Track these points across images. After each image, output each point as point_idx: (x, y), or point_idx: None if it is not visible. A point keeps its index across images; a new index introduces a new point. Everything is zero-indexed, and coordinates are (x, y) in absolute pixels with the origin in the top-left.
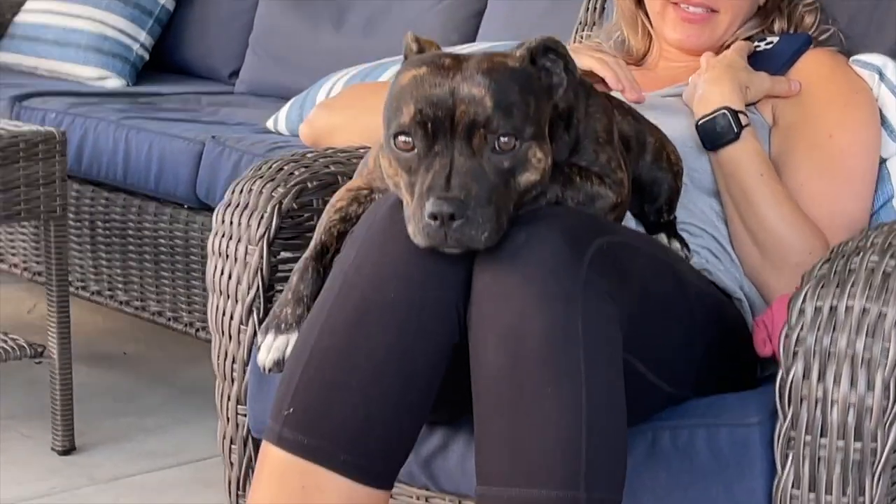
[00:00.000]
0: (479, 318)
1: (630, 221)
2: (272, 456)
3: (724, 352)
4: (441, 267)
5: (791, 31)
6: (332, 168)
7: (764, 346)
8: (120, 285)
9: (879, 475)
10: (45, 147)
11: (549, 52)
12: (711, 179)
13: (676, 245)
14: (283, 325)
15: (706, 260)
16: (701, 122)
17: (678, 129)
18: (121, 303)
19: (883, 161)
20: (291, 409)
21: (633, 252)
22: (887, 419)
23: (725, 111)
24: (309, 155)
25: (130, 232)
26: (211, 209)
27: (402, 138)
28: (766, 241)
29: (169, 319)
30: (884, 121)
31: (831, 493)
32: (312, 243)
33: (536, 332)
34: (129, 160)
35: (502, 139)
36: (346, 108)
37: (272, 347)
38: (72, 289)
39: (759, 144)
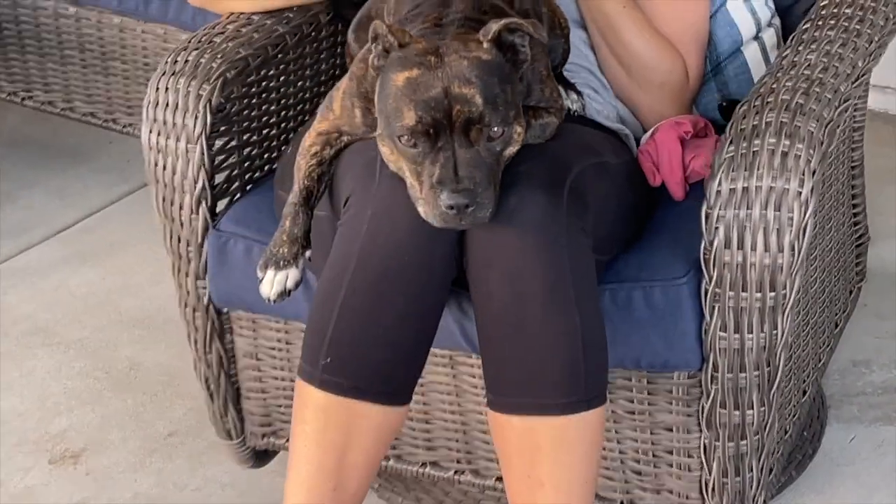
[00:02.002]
0: (480, 262)
1: None
2: (315, 396)
3: (638, 203)
4: (440, 230)
5: None
6: (242, 51)
7: (653, 177)
8: None
9: (788, 315)
10: None
11: (514, 32)
12: (576, 9)
13: (574, 96)
14: (281, 262)
15: (590, 97)
16: None
17: None
18: None
19: None
20: (329, 359)
21: (584, 175)
22: (793, 271)
23: None
24: (216, 39)
25: None
26: None
27: (405, 138)
28: (632, 65)
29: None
30: None
31: (752, 332)
32: (296, 187)
33: (536, 274)
34: None
35: (494, 129)
36: None
37: (274, 281)
38: None
39: None
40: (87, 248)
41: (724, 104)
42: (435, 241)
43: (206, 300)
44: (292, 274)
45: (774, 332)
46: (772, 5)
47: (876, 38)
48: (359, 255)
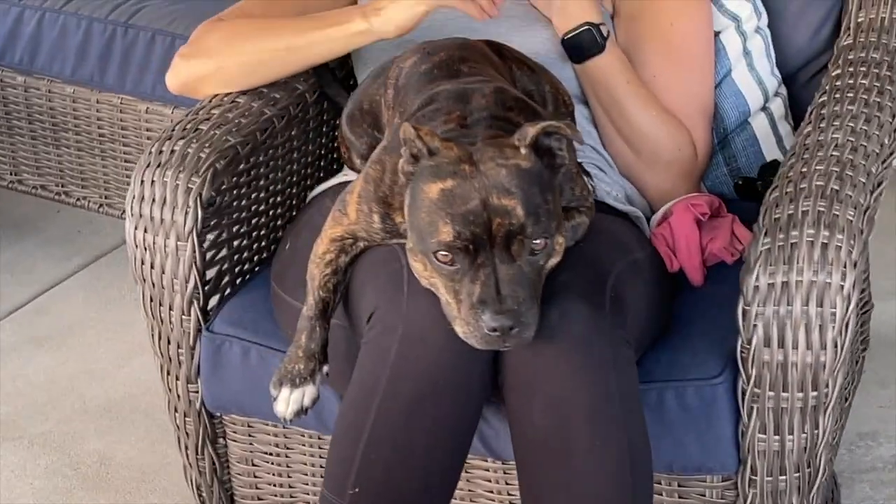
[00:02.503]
0: (521, 387)
1: None
2: None
3: (664, 296)
4: (477, 349)
5: None
6: (231, 139)
7: (671, 262)
8: None
9: (830, 414)
10: None
11: (552, 135)
12: (577, 86)
13: (584, 179)
14: (297, 380)
15: (597, 177)
16: (566, 37)
17: (540, 41)
18: None
19: (716, 35)
20: (357, 489)
21: (620, 278)
22: (836, 369)
23: (589, 26)
24: (202, 126)
25: None
26: None
27: (442, 254)
28: (638, 142)
29: None
30: None
31: (792, 434)
32: (311, 299)
33: (582, 397)
34: None
35: (536, 242)
36: (207, 58)
37: (290, 400)
38: None
39: (621, 52)
40: (43, 330)
41: (740, 182)
42: (471, 361)
43: (198, 404)
44: (309, 391)
45: (816, 431)
46: (778, 74)
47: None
48: (389, 377)
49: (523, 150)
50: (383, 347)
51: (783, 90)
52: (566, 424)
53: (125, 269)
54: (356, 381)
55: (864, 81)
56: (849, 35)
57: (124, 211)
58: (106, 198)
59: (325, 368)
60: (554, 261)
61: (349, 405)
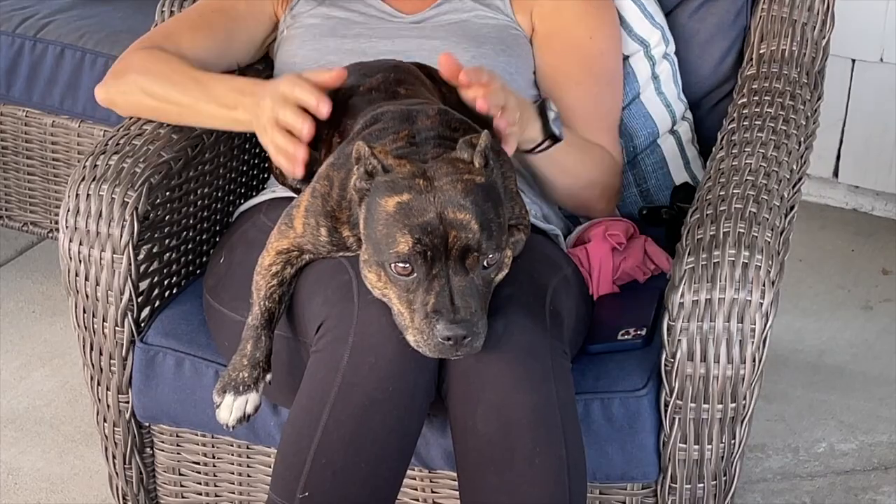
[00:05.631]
0: (465, 395)
1: None
2: None
3: (588, 310)
4: (425, 357)
5: None
6: (165, 154)
7: (588, 285)
8: None
9: (746, 425)
10: None
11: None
12: None
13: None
14: (241, 387)
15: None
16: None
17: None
18: None
19: (626, 59)
20: (307, 493)
21: (557, 293)
22: (753, 382)
23: (549, 140)
24: (136, 141)
25: None
26: None
27: (400, 265)
28: (577, 182)
29: None
30: (622, 21)
31: (711, 443)
32: (256, 309)
33: (525, 405)
34: None
35: (490, 256)
36: (124, 86)
37: (233, 407)
38: None
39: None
40: None
41: (645, 212)
42: (419, 370)
43: (128, 415)
44: (252, 399)
45: (733, 441)
46: (684, 99)
47: (803, 140)
48: (340, 385)
49: (477, 165)
50: (334, 356)
51: (689, 115)
52: (509, 431)
53: (22, 281)
54: (306, 389)
55: (769, 110)
56: (752, 65)
57: (25, 223)
58: (6, 210)
59: (269, 377)
60: (502, 274)
61: (299, 411)
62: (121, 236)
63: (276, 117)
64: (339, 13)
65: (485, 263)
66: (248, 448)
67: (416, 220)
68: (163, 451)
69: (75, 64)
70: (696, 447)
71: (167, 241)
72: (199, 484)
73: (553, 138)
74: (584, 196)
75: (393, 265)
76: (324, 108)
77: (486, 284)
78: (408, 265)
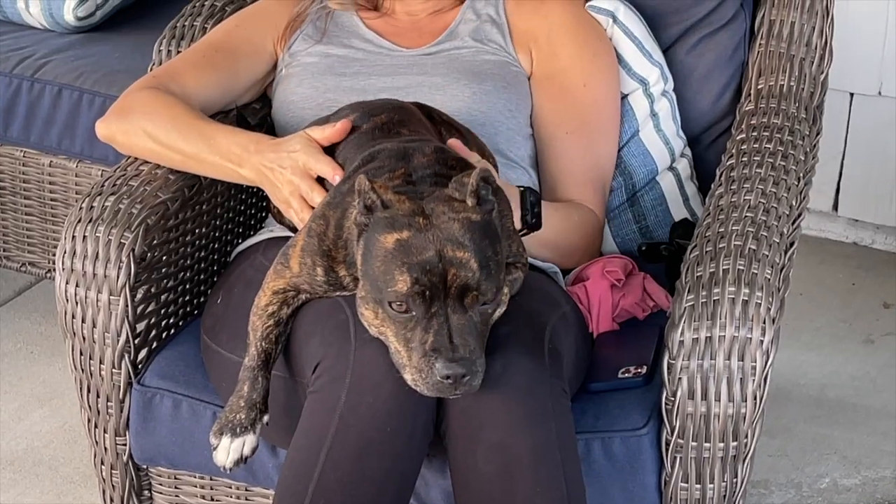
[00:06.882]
0: (465, 434)
1: None
2: None
3: (588, 348)
4: (423, 397)
5: None
6: (161, 195)
7: (588, 322)
8: None
9: (748, 463)
10: None
11: (484, 181)
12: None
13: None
14: (238, 429)
15: None
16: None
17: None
18: None
19: (624, 97)
20: None
21: (556, 330)
22: (755, 420)
23: (526, 229)
24: (132, 182)
25: None
26: None
27: (397, 304)
28: (554, 256)
29: None
30: (620, 60)
31: (713, 482)
32: (253, 350)
33: (525, 444)
34: None
35: (488, 295)
36: (127, 125)
37: (230, 449)
38: None
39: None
40: None
41: (644, 248)
42: (417, 409)
43: (125, 457)
44: (249, 440)
45: (735, 479)
46: (683, 136)
47: (802, 175)
48: (338, 425)
49: (470, 203)
50: (332, 396)
51: (688, 151)
52: (509, 471)
53: (20, 321)
54: (304, 428)
55: (768, 146)
56: (750, 101)
57: (23, 264)
58: (4, 250)
59: (266, 418)
60: (500, 311)
61: (296, 453)
62: (117, 278)
63: (299, 190)
64: (338, 50)
65: (483, 301)
66: (246, 490)
67: (415, 258)
68: (161, 493)
69: (73, 104)
70: (698, 486)
71: (164, 281)
72: None
73: (531, 227)
74: (564, 261)
75: (391, 303)
76: (338, 178)
77: (484, 322)
78: (406, 304)
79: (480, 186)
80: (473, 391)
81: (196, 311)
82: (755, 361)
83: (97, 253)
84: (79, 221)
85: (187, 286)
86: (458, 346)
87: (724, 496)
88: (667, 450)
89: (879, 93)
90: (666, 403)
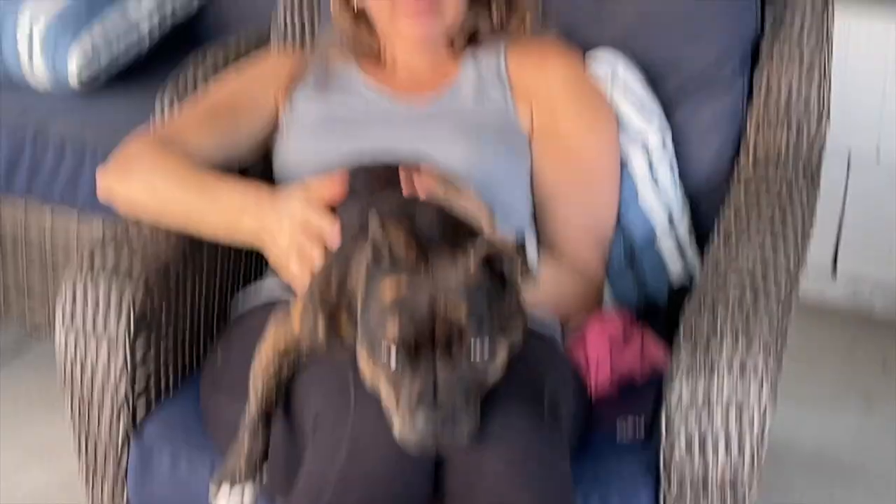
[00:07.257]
0: (464, 493)
1: None
2: None
3: (586, 407)
4: (421, 457)
5: (507, 14)
6: (162, 248)
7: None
8: None
9: None
10: None
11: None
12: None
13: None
14: (238, 478)
15: None
16: None
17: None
18: None
19: (623, 158)
20: None
21: (555, 389)
22: (752, 478)
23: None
24: (132, 235)
25: None
26: None
27: (388, 348)
28: (561, 306)
29: None
30: (619, 118)
31: None
32: (254, 403)
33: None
34: None
35: (477, 349)
36: (126, 182)
37: (230, 498)
38: None
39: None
40: None
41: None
42: (417, 466)
43: None
44: (249, 490)
45: None
46: (681, 192)
47: (800, 236)
48: (337, 480)
49: (473, 260)
50: (331, 450)
51: (687, 209)
52: None
53: (19, 373)
54: (303, 483)
55: (767, 208)
56: (748, 155)
57: (23, 316)
58: (5, 302)
59: (265, 469)
60: (495, 369)
61: (298, 501)
62: (117, 333)
63: (299, 247)
64: (337, 106)
65: (476, 358)
66: None
67: (408, 307)
68: None
69: (76, 159)
70: None
71: (164, 336)
72: None
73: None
74: (562, 316)
75: (382, 348)
76: (337, 238)
77: (475, 377)
78: (395, 349)
79: (495, 256)
80: (460, 444)
81: (196, 365)
82: (753, 421)
83: (97, 307)
84: (79, 276)
85: (188, 340)
86: (441, 398)
87: None
88: None
89: (877, 150)
90: (663, 459)
